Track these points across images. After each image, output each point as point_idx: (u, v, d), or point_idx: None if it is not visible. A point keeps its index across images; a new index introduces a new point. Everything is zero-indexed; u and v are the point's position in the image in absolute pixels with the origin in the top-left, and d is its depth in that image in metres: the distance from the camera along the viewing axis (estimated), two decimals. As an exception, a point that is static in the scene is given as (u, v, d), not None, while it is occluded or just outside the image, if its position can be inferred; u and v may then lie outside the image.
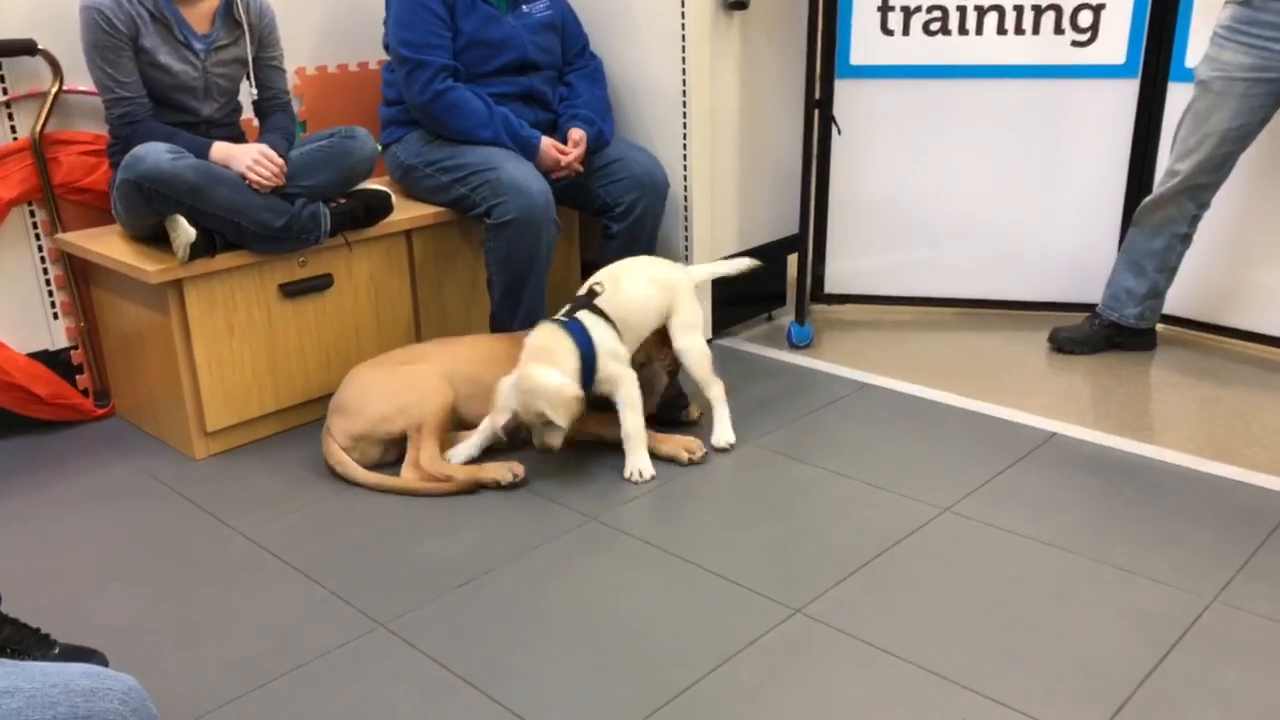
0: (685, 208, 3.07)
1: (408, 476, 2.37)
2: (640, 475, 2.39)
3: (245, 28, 2.61)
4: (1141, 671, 1.72)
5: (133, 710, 1.00)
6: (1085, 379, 2.91)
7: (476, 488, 2.35)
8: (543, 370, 2.31)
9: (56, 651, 1.72)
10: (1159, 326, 3.10)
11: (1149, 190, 2.95)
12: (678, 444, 2.49)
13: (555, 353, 2.35)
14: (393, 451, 2.45)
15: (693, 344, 2.55)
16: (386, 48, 2.90)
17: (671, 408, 2.68)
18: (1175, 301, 3.05)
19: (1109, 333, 3.06)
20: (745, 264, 2.73)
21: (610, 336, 2.42)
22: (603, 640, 1.84)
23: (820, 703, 1.67)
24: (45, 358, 2.71)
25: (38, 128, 2.58)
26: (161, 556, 2.15)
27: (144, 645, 1.86)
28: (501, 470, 2.35)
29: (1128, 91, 3.05)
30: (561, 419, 2.28)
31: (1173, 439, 2.54)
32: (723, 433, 2.55)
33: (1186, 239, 2.90)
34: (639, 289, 2.51)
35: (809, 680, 1.72)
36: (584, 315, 2.43)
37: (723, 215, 3.17)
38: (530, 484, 2.38)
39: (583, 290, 2.53)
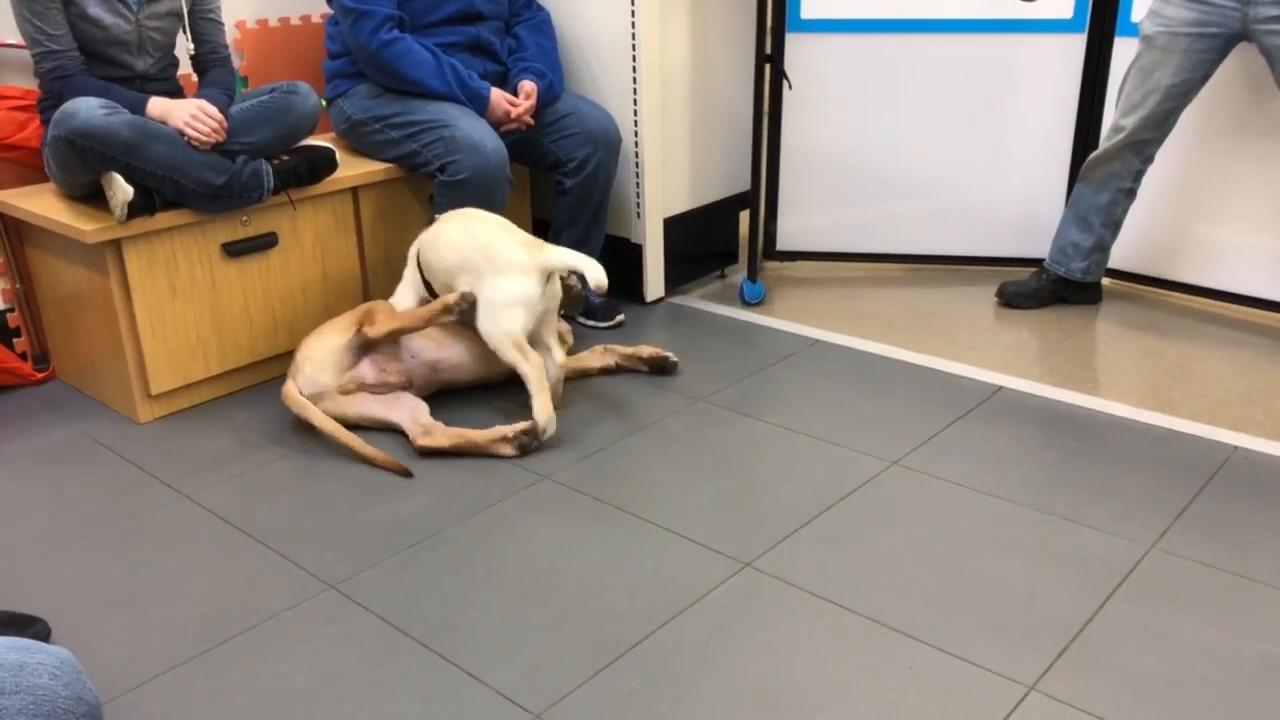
0: (637, 164, 3.04)
1: (370, 329, 2.41)
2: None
3: (180, -21, 2.53)
4: (1082, 618, 1.77)
5: (65, 684, 0.98)
6: (1032, 333, 2.95)
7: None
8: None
9: (-4, 619, 1.70)
10: (1104, 280, 3.15)
11: (1096, 145, 2.97)
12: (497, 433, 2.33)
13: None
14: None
15: (484, 326, 2.38)
16: (329, 0, 2.83)
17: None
18: (1120, 256, 3.10)
19: (1056, 287, 3.10)
20: (597, 274, 2.35)
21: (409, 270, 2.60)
22: (554, 598, 1.84)
23: (769, 655, 1.69)
24: (-20, 321, 2.64)
25: (-36, 82, 2.50)
26: (105, 521, 2.11)
27: (87, 612, 1.84)
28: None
29: (1074, 46, 3.07)
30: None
31: (1116, 391, 2.58)
32: (536, 411, 2.32)
33: (1131, 194, 2.93)
34: (453, 235, 2.47)
35: (758, 633, 1.75)
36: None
37: (674, 171, 3.15)
38: (481, 443, 2.37)
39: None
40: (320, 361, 2.41)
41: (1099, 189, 2.93)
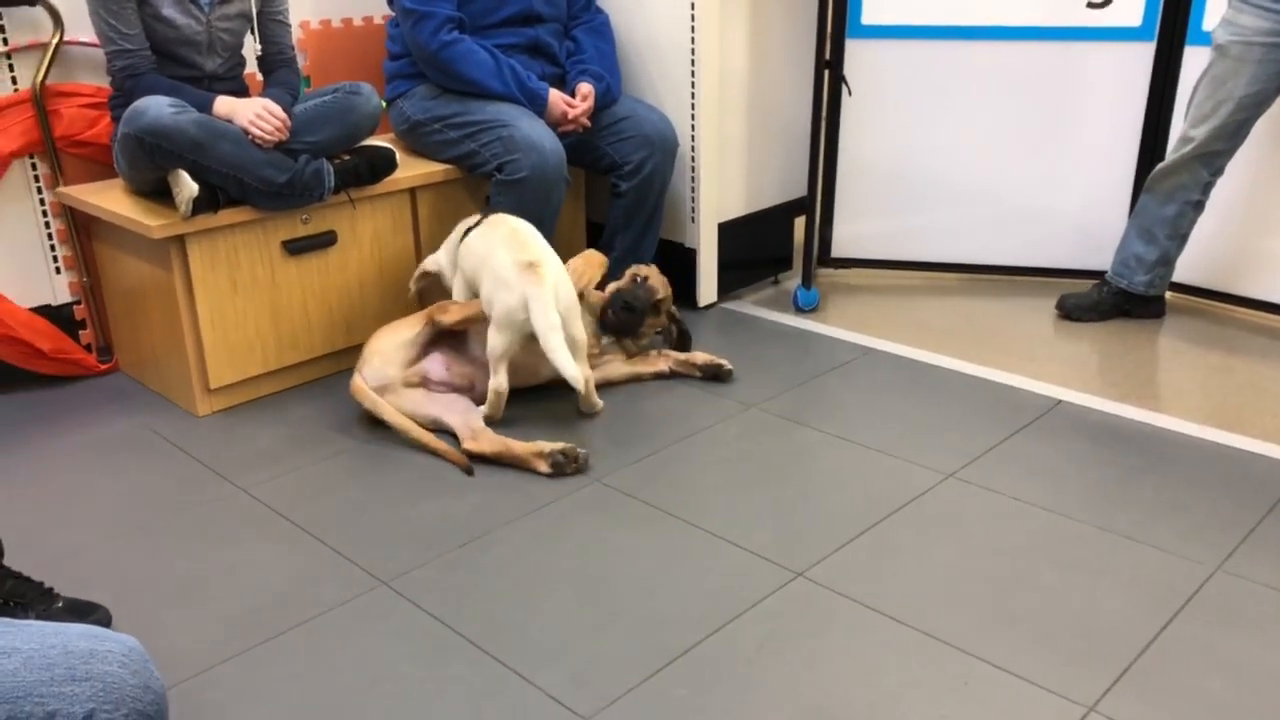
0: (693, 168, 3.04)
1: (439, 316, 2.47)
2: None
3: (249, -20, 2.57)
4: (1143, 639, 1.72)
5: (133, 672, 0.99)
6: (1093, 346, 2.89)
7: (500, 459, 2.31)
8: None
9: (59, 606, 1.73)
10: (1168, 294, 3.08)
11: (1161, 156, 2.91)
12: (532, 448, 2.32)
13: None
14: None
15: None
16: (390, 2, 2.86)
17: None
18: (1185, 269, 3.02)
19: (1118, 300, 3.03)
20: (573, 376, 2.32)
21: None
22: (604, 601, 1.84)
23: (820, 666, 1.67)
24: (48, 312, 2.70)
25: (39, 79, 2.55)
26: (164, 512, 2.15)
27: (146, 601, 1.87)
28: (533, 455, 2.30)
29: (1143, 55, 3.00)
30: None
31: (1180, 408, 2.52)
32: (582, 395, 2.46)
33: (1199, 206, 2.87)
34: (475, 242, 2.50)
35: (809, 643, 1.73)
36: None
37: (730, 176, 3.14)
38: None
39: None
40: (388, 354, 2.45)
41: (1165, 201, 2.87)
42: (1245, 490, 2.16)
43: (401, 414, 2.39)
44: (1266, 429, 2.41)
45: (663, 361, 2.71)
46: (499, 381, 2.39)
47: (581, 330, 2.43)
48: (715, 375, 2.69)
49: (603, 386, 2.60)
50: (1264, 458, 2.29)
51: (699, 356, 2.71)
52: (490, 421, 2.39)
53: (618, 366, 2.69)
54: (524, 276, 2.33)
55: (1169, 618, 1.77)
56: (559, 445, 2.27)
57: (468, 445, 2.32)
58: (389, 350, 2.46)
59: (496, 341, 2.36)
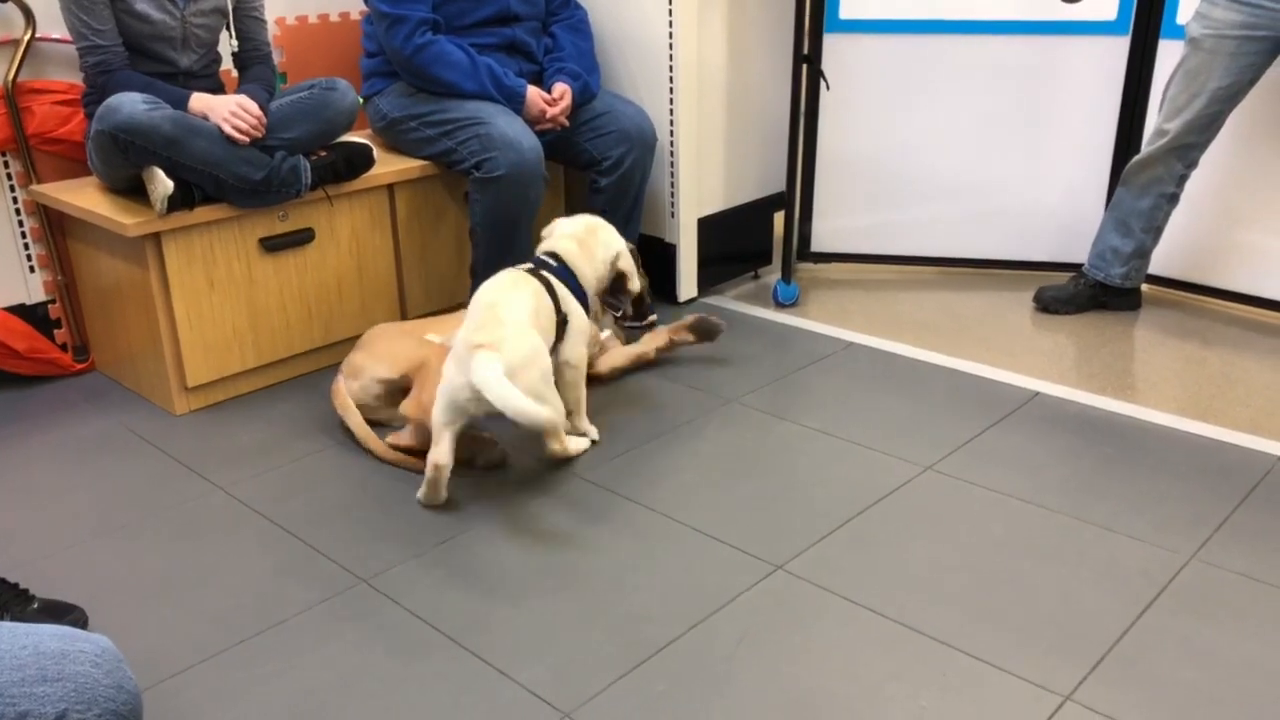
0: (672, 163, 3.04)
1: (404, 409, 2.28)
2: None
3: (223, -24, 2.55)
4: (1119, 628, 1.74)
5: (106, 672, 0.99)
6: (1070, 338, 2.91)
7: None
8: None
9: (35, 607, 1.72)
10: (1144, 286, 3.10)
11: (1137, 149, 2.93)
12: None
13: None
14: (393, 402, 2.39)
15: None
16: (366, 0, 2.85)
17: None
18: (1161, 261, 3.05)
19: (1094, 292, 3.05)
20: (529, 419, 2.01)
21: None
22: (584, 597, 1.84)
23: (800, 659, 1.68)
24: (22, 312, 2.68)
25: (10, 76, 2.53)
26: (141, 512, 2.14)
27: (123, 601, 1.86)
28: (495, 452, 2.27)
29: (1118, 48, 3.02)
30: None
31: (1156, 399, 2.55)
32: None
33: (1174, 198, 2.89)
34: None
35: (789, 637, 1.73)
36: None
37: (709, 171, 3.14)
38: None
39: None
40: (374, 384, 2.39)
41: (1141, 194, 2.89)
42: (1220, 480, 2.18)
43: (367, 425, 2.33)
44: (1240, 419, 2.44)
45: (659, 337, 2.74)
46: (437, 449, 2.08)
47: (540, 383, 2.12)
48: (708, 333, 2.72)
49: (608, 381, 2.64)
50: (1237, 447, 2.31)
51: (688, 319, 2.73)
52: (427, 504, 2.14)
53: (621, 353, 2.69)
54: (467, 353, 2.04)
55: (1144, 607, 1.79)
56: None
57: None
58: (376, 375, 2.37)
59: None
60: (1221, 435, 2.36)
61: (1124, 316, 3.04)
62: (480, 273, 2.82)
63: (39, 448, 2.40)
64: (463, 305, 2.83)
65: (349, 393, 2.38)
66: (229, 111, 2.40)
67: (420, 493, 2.12)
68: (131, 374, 2.68)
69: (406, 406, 2.29)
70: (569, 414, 2.31)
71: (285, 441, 2.41)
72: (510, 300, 2.15)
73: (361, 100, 2.93)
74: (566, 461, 2.28)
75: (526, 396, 1.97)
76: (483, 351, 2.00)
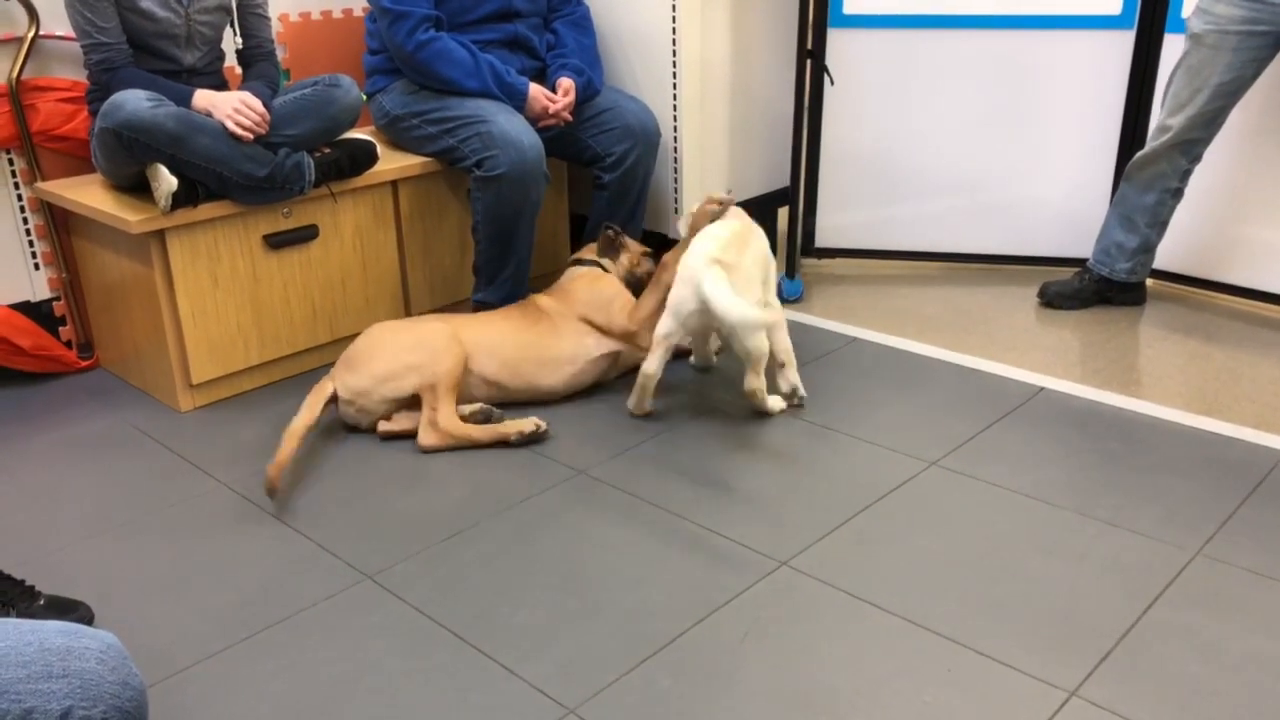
0: (675, 159, 3.03)
1: (426, 441, 2.32)
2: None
3: (227, -27, 2.55)
4: (1124, 624, 1.74)
5: (111, 669, 0.99)
6: (1074, 334, 2.91)
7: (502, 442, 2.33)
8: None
9: (41, 603, 1.72)
10: (1149, 281, 3.09)
11: (1142, 144, 2.92)
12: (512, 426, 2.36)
13: None
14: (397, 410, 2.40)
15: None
16: (369, -4, 2.85)
17: None
18: (1166, 256, 3.04)
19: (1099, 287, 3.05)
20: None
21: None
22: (589, 592, 1.84)
23: (805, 654, 1.68)
24: (27, 309, 2.68)
25: (14, 73, 2.53)
26: (146, 508, 2.14)
27: (129, 597, 1.86)
28: (525, 423, 2.34)
29: (1123, 42, 3.01)
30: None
31: (1160, 394, 2.54)
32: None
33: (1178, 194, 2.88)
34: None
35: (794, 632, 1.73)
36: None
37: (713, 167, 3.14)
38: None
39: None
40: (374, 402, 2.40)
41: (1145, 189, 2.88)
42: (1224, 475, 2.18)
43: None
44: (1244, 414, 2.43)
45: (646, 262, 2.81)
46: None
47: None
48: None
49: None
50: (1242, 442, 2.31)
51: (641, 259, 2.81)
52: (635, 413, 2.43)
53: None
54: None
55: (1149, 602, 1.79)
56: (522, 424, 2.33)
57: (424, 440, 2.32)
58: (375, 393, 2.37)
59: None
60: (1227, 430, 2.36)
61: (1129, 312, 3.04)
62: (483, 270, 2.82)
63: (44, 445, 2.41)
64: (464, 302, 2.86)
65: (344, 414, 2.39)
66: (232, 108, 2.40)
67: (630, 401, 2.44)
68: (136, 371, 2.68)
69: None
70: (781, 366, 2.45)
71: (290, 438, 2.40)
72: (755, 234, 2.48)
73: (365, 97, 2.93)
74: (761, 415, 2.45)
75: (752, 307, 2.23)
76: (718, 267, 2.22)
